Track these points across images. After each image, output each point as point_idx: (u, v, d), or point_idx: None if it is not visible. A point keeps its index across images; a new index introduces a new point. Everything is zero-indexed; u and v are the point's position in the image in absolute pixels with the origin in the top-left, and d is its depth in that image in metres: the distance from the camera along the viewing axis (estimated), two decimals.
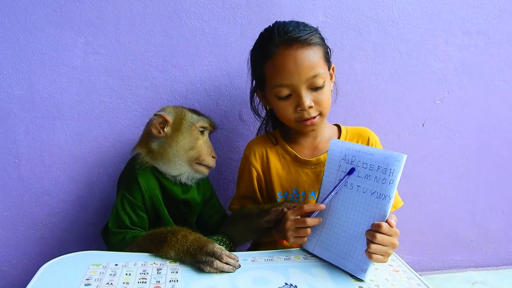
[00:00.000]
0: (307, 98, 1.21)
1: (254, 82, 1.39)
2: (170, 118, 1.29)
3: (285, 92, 1.22)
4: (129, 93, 1.55)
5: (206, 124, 1.34)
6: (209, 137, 1.38)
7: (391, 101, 1.78)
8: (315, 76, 1.20)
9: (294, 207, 1.16)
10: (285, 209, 1.16)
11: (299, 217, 1.13)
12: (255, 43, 1.33)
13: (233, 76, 1.62)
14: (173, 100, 1.57)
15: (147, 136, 1.32)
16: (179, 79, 1.58)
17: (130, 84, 1.55)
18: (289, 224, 1.12)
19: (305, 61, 1.19)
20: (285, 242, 1.34)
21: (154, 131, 1.29)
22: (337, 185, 1.11)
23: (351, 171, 1.09)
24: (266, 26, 1.30)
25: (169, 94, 1.58)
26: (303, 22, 1.27)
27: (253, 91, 1.41)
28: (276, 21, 1.28)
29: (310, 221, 1.11)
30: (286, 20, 1.27)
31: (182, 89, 1.59)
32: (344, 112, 1.73)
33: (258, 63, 1.28)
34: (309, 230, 1.12)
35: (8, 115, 1.49)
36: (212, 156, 1.33)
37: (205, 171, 1.33)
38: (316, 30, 1.26)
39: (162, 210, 1.30)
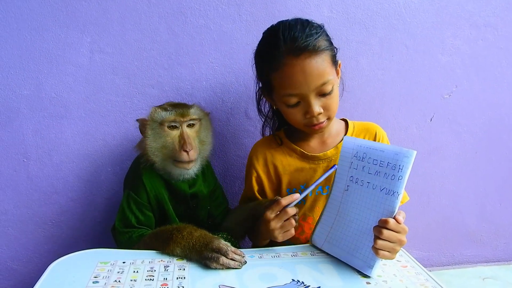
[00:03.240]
0: (316, 105, 1.19)
1: (260, 84, 1.36)
2: (147, 121, 1.28)
3: (293, 100, 1.20)
4: (135, 91, 1.56)
5: (172, 118, 1.25)
6: (198, 126, 1.31)
7: (398, 96, 1.77)
8: (324, 84, 1.17)
9: (269, 205, 1.16)
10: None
11: (278, 212, 1.13)
12: (259, 46, 1.28)
13: (238, 73, 1.62)
14: (179, 97, 1.57)
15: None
16: (184, 77, 1.58)
17: (136, 82, 1.55)
18: (273, 224, 1.12)
19: (313, 71, 1.16)
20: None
21: (141, 134, 1.30)
22: (318, 180, 1.17)
23: (332, 167, 1.17)
24: (271, 22, 1.26)
25: (175, 91, 1.58)
26: (308, 22, 1.21)
27: (260, 93, 1.39)
28: (281, 23, 1.22)
29: (290, 210, 1.12)
30: (290, 21, 1.21)
31: (188, 87, 1.59)
32: (351, 107, 1.72)
33: (264, 71, 1.25)
34: (293, 221, 1.14)
35: (17, 114, 1.50)
36: (184, 150, 1.24)
37: (186, 166, 1.26)
38: (322, 31, 1.21)
39: (168, 208, 1.30)
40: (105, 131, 1.57)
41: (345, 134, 1.37)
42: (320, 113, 1.21)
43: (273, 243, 1.24)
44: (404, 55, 1.73)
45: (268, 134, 1.47)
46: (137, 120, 1.31)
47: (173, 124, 1.26)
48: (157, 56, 1.55)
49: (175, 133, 1.27)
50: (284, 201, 1.12)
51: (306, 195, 1.33)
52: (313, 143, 1.38)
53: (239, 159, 1.69)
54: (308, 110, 1.20)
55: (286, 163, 1.37)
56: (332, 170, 1.14)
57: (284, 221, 1.13)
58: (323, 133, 1.37)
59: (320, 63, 1.16)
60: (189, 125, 1.29)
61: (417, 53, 1.74)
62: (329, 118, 1.26)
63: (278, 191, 1.39)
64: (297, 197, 1.13)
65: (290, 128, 1.43)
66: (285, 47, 1.16)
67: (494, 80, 1.83)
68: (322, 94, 1.20)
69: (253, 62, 1.33)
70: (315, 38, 1.16)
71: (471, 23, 1.75)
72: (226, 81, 1.62)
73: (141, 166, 1.28)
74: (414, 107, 1.80)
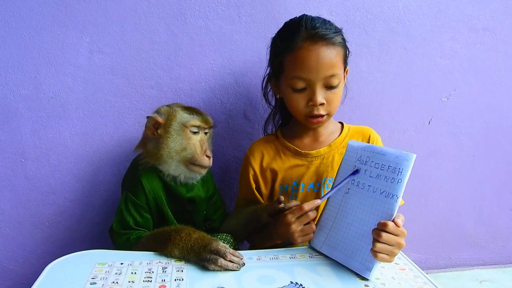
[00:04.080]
0: (320, 95, 1.24)
1: (270, 69, 1.40)
2: (161, 119, 1.27)
3: (300, 85, 1.25)
4: (134, 92, 1.56)
5: (198, 123, 1.29)
6: (209, 134, 1.36)
7: (396, 98, 1.77)
8: (332, 76, 1.23)
9: (290, 207, 1.18)
10: (282, 204, 1.20)
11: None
12: (280, 30, 1.34)
13: (237, 75, 1.62)
14: (178, 98, 1.57)
15: (145, 137, 1.33)
16: (183, 78, 1.58)
17: (135, 83, 1.55)
18: (294, 227, 1.14)
19: (326, 60, 1.22)
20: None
21: (148, 133, 1.29)
22: (339, 185, 1.14)
23: (355, 172, 1.12)
24: (271, 24, 1.31)
25: (174, 92, 1.58)
26: (329, 21, 1.29)
27: (268, 78, 1.43)
28: (304, 14, 1.30)
29: (311, 214, 1.15)
30: (313, 16, 1.29)
31: (187, 88, 1.59)
32: (350, 110, 1.72)
33: (280, 52, 1.30)
34: (313, 225, 1.17)
35: (14, 114, 1.49)
36: (206, 156, 1.29)
37: (201, 171, 1.30)
38: (340, 32, 1.29)
39: (166, 210, 1.30)
40: (104, 131, 1.56)
41: (339, 135, 1.41)
42: (322, 104, 1.26)
43: (272, 245, 1.25)
44: (403, 58, 1.74)
45: (270, 131, 1.52)
46: (147, 117, 1.29)
47: (195, 129, 1.29)
48: (156, 57, 1.55)
49: (196, 137, 1.29)
50: (307, 206, 1.14)
51: (300, 192, 1.36)
52: (307, 140, 1.41)
53: (238, 161, 1.68)
54: (312, 98, 1.25)
55: (281, 161, 1.39)
56: (356, 175, 1.12)
57: (304, 224, 1.15)
58: (318, 131, 1.40)
59: (333, 55, 1.23)
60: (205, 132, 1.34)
61: (416, 56, 1.74)
62: (328, 114, 1.30)
63: (271, 188, 1.41)
64: (318, 202, 1.15)
65: (286, 127, 1.48)
66: (305, 32, 1.23)
67: (492, 84, 1.84)
68: (328, 87, 1.25)
69: (268, 48, 1.38)
70: (333, 33, 1.25)
71: (469, 26, 1.76)
72: (225, 82, 1.61)
73: (140, 168, 1.28)
74: (412, 109, 1.80)
